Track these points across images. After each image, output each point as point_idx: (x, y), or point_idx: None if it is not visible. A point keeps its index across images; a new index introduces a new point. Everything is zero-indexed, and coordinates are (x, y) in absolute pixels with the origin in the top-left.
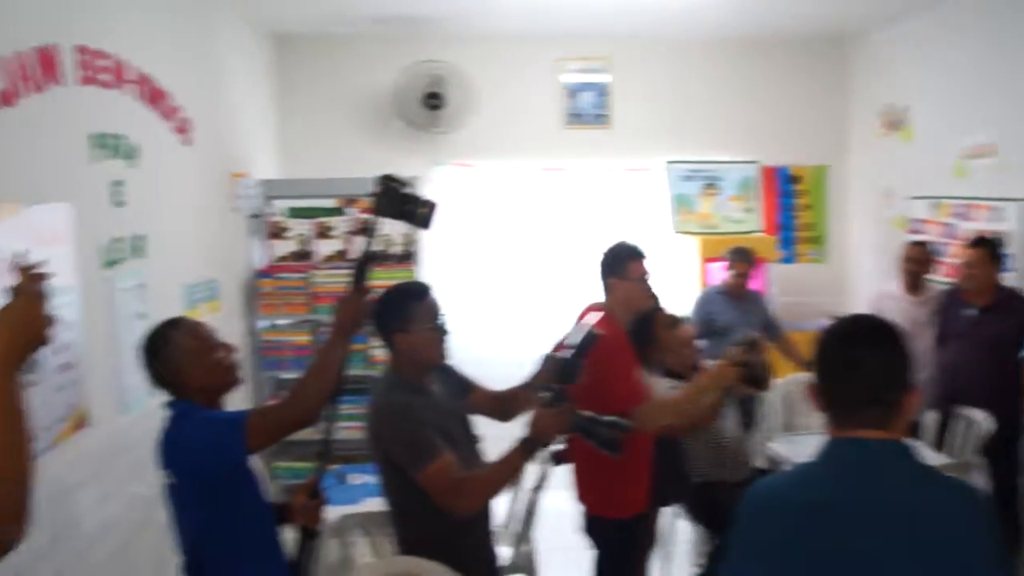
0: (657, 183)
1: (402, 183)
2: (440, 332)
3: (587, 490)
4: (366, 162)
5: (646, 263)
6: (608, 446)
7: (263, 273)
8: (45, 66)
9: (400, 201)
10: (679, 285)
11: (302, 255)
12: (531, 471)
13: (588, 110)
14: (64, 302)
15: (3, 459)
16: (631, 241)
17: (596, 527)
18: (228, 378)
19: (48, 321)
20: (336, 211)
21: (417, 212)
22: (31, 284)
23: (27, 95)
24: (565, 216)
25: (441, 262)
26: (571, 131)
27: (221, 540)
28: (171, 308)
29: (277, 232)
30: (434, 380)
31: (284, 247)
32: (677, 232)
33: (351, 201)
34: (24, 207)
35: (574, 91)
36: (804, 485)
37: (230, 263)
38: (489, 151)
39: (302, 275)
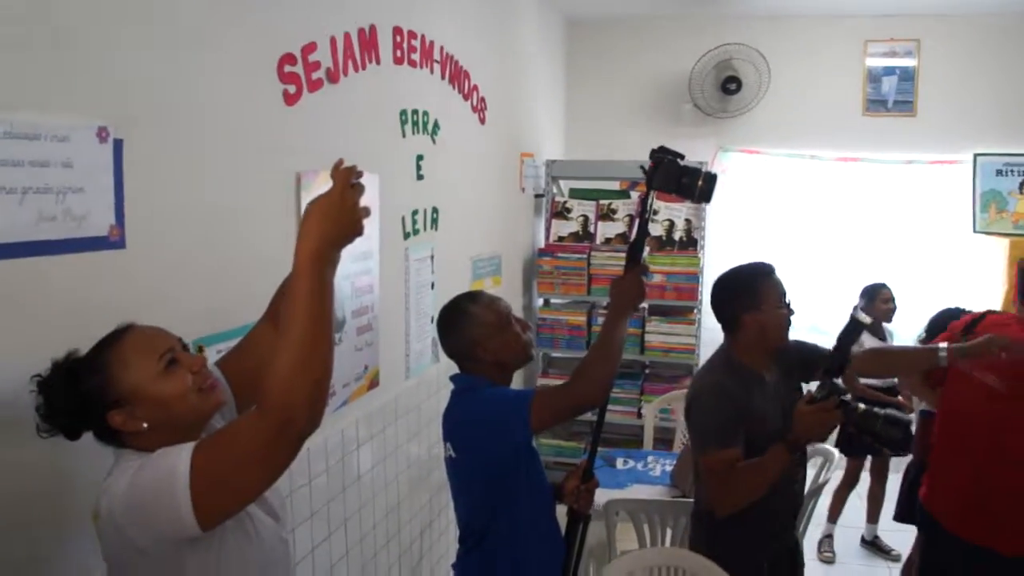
0: (963, 178)
1: (678, 155)
2: (789, 311)
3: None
4: (649, 145)
5: None
6: (890, 442)
7: (544, 251)
8: (366, 46)
9: (677, 174)
10: (978, 292)
11: (583, 236)
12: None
13: (890, 96)
14: (366, 268)
15: (310, 349)
16: None
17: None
18: (522, 355)
19: (363, 211)
20: (619, 194)
21: (696, 185)
22: (346, 175)
23: (350, 73)
24: (858, 210)
25: (724, 250)
26: (870, 119)
27: (501, 516)
28: (458, 280)
29: (560, 212)
30: (771, 367)
31: (566, 227)
32: (978, 232)
33: (634, 184)
34: None
35: (877, 75)
36: None
37: (513, 240)
38: (779, 138)
39: (581, 256)
